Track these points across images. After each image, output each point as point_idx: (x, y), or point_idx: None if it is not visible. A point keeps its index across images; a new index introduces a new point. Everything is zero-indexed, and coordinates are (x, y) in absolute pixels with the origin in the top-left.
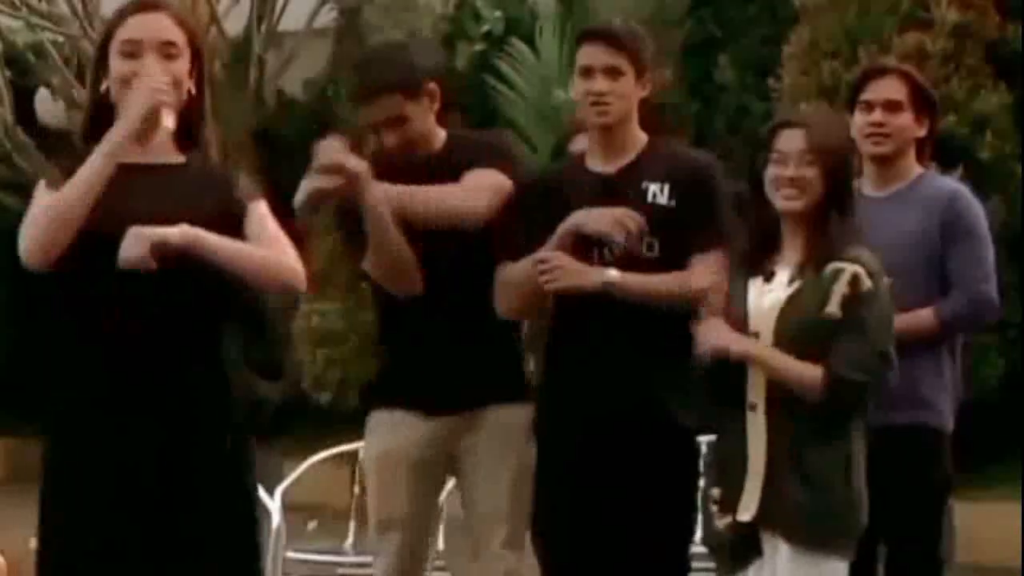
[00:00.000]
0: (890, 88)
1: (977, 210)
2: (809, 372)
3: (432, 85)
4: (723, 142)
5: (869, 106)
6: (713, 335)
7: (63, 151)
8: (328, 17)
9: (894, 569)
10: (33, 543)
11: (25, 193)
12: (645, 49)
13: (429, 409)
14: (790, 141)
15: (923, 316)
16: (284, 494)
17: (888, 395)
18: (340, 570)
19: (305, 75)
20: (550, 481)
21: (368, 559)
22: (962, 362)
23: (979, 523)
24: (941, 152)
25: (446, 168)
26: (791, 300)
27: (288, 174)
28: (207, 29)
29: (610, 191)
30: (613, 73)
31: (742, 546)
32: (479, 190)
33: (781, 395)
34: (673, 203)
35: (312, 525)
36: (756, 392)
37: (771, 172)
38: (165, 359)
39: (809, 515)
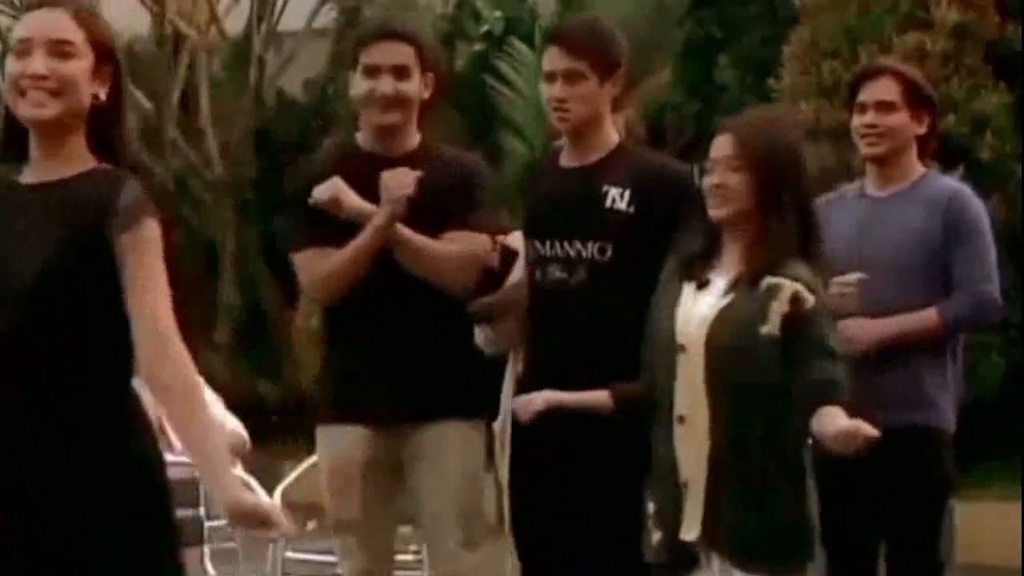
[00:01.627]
0: (882, 89)
1: (979, 210)
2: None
3: (431, 75)
4: None
5: (863, 108)
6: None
7: None
8: (328, 17)
9: (894, 569)
10: None
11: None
12: (611, 49)
13: (375, 423)
14: (718, 147)
15: (926, 316)
16: (284, 494)
17: (890, 395)
18: (340, 570)
19: (305, 75)
20: (525, 479)
21: None
22: (962, 362)
23: (979, 523)
24: (941, 152)
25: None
26: (724, 312)
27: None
28: (207, 29)
29: (567, 183)
30: (573, 77)
31: (680, 561)
32: (471, 262)
33: (728, 407)
34: (632, 209)
35: (312, 525)
36: (684, 403)
37: (705, 180)
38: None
39: (757, 536)
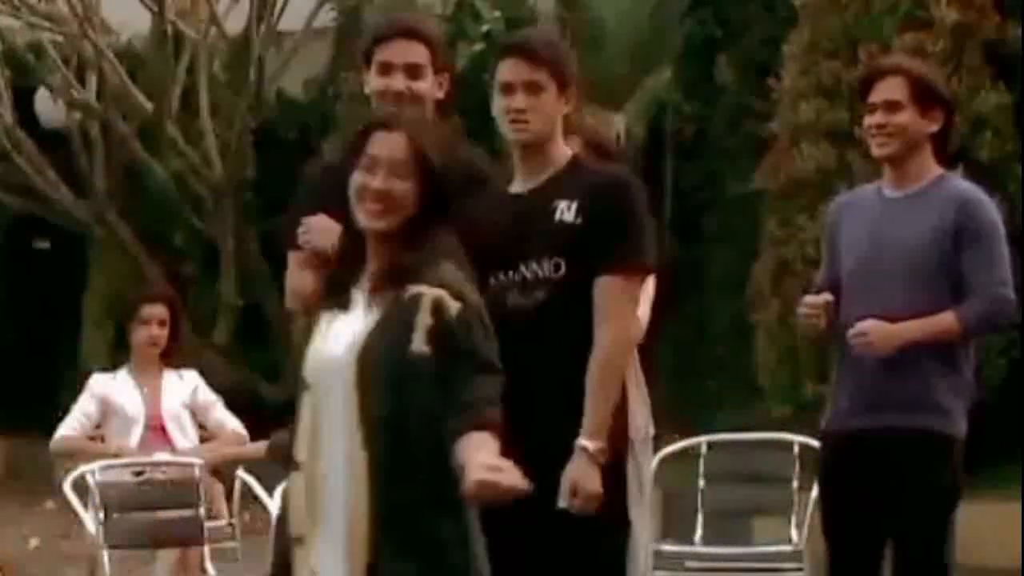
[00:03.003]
0: (889, 88)
1: (993, 213)
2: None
3: (445, 75)
4: (723, 142)
5: (873, 108)
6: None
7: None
8: (328, 17)
9: (901, 573)
10: (33, 542)
11: (25, 193)
12: (567, 63)
13: None
14: (392, 147)
15: (945, 319)
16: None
17: (902, 399)
18: None
19: (305, 75)
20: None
21: None
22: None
23: (979, 523)
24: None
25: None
26: (371, 335)
27: (288, 174)
28: (207, 29)
29: (519, 207)
30: (534, 89)
31: None
32: None
33: (380, 443)
34: (580, 220)
35: None
36: (304, 449)
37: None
38: None
39: None
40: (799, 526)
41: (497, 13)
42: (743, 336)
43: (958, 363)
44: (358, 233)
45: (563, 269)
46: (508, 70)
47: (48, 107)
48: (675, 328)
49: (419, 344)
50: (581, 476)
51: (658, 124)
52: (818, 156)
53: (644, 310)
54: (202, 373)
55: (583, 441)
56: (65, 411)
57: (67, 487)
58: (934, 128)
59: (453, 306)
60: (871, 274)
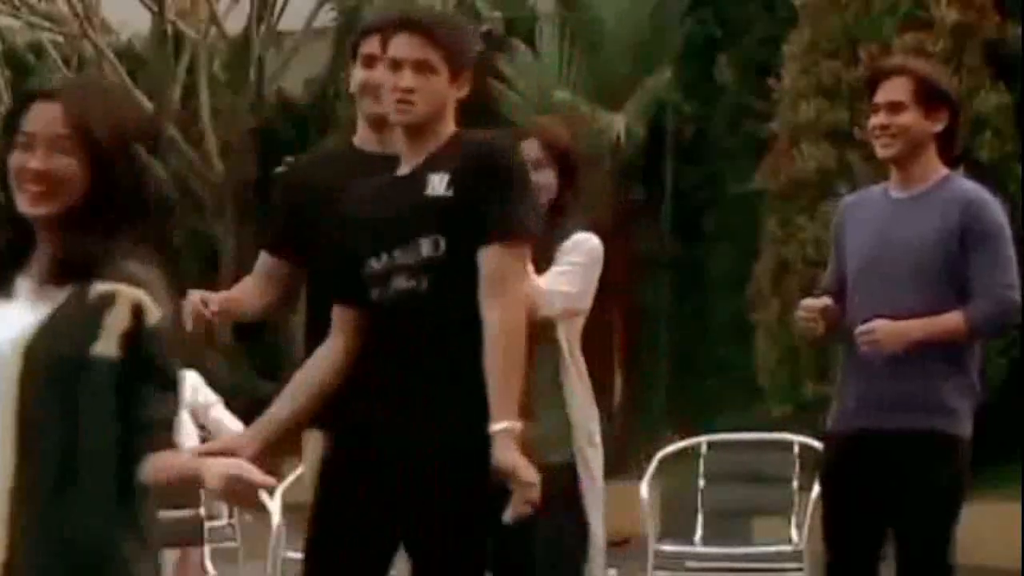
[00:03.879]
0: (892, 89)
1: (998, 214)
2: None
3: (467, 73)
4: (723, 142)
5: (876, 108)
6: None
7: None
8: (328, 17)
9: (904, 573)
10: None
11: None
12: (465, 46)
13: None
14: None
15: (951, 320)
16: (284, 494)
17: (908, 399)
18: None
19: (305, 75)
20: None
21: None
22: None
23: (979, 523)
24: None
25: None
26: (43, 329)
27: None
28: (207, 29)
29: (397, 192)
30: (424, 68)
31: None
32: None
33: (46, 466)
34: (451, 192)
35: None
36: None
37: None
38: None
39: None
40: (799, 526)
41: (497, 13)
42: (743, 336)
43: (964, 363)
44: (22, 218)
45: (443, 247)
46: (397, 46)
47: None
48: (675, 328)
49: (106, 346)
50: (511, 460)
51: (658, 124)
52: (818, 156)
53: (546, 282)
54: (202, 373)
55: (498, 425)
56: None
57: None
58: (938, 128)
59: (154, 313)
60: (877, 275)
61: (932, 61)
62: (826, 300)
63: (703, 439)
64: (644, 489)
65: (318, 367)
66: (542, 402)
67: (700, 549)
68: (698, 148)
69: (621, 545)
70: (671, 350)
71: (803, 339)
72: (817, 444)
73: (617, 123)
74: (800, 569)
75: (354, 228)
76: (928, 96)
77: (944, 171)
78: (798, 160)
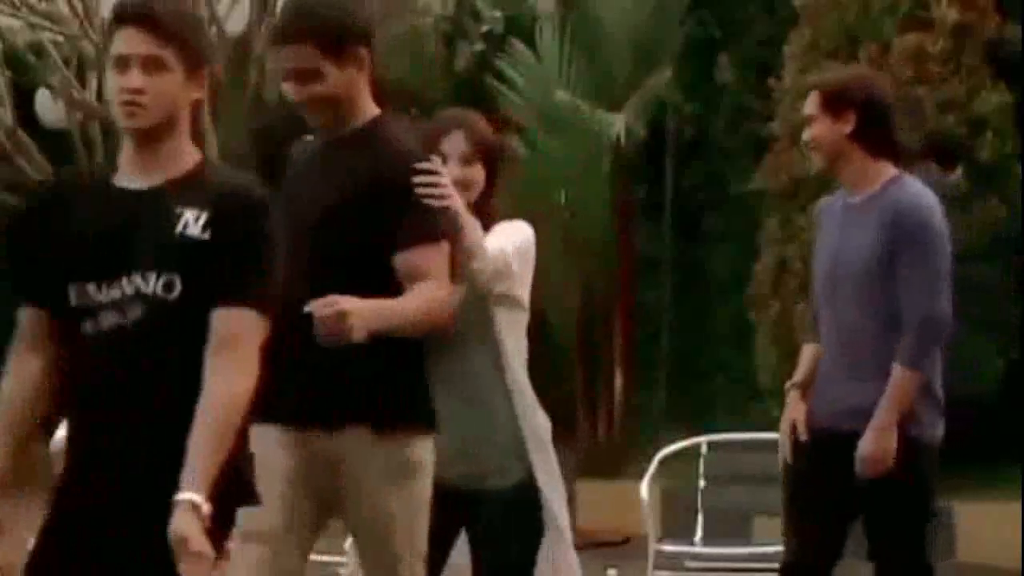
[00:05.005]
0: (807, 106)
1: (928, 221)
2: None
3: (362, 50)
4: (723, 142)
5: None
6: None
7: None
8: None
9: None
10: (31, 543)
11: (25, 193)
12: (200, 40)
13: (289, 425)
14: None
15: (898, 380)
16: None
17: (870, 406)
18: (340, 570)
19: None
20: None
21: None
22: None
23: (979, 523)
24: (941, 152)
25: (361, 154)
26: None
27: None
28: (207, 29)
29: (129, 207)
30: (155, 66)
31: None
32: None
33: None
34: (207, 236)
35: None
36: None
37: None
38: None
39: None
40: None
41: (497, 13)
42: (743, 336)
43: (925, 369)
44: None
45: (177, 289)
46: (124, 42)
47: (48, 107)
48: (675, 328)
49: None
50: (184, 530)
51: (658, 124)
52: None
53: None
54: None
55: (183, 495)
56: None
57: None
58: (847, 129)
59: None
60: (831, 296)
61: (926, 62)
62: (798, 409)
63: (703, 439)
64: (644, 489)
65: (18, 399)
66: (484, 402)
67: (700, 549)
68: (698, 148)
69: (621, 545)
70: (671, 350)
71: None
72: None
73: (617, 123)
74: None
75: (74, 245)
76: (833, 102)
77: (891, 172)
78: (798, 160)
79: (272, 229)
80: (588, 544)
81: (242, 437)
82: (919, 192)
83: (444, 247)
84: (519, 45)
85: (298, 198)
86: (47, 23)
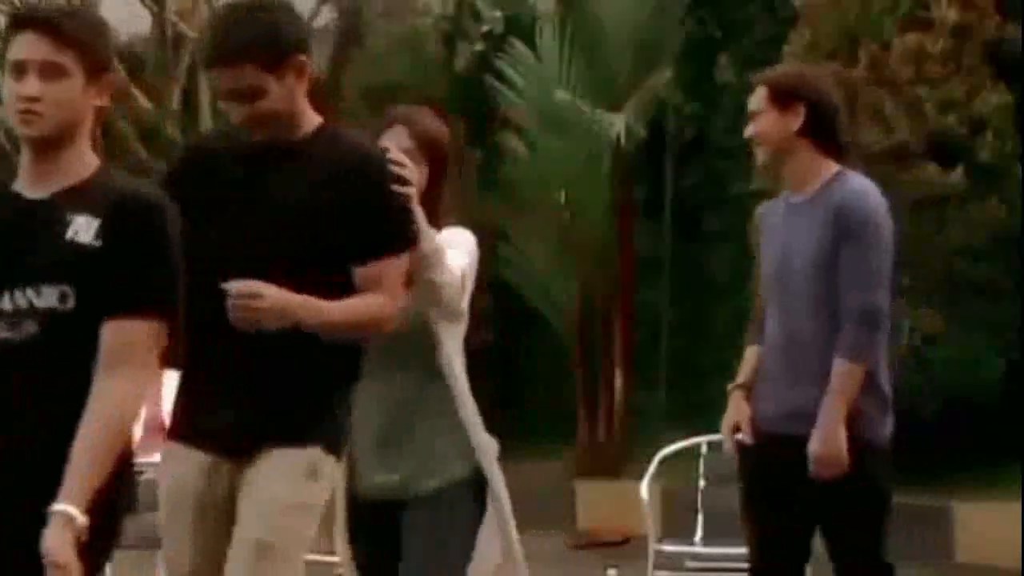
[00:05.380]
0: (752, 101)
1: (870, 215)
2: None
3: (300, 59)
4: (723, 142)
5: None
6: None
7: None
8: (328, 17)
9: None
10: None
11: None
12: (101, 45)
13: (213, 450)
14: None
15: (841, 374)
16: None
17: (816, 410)
18: (340, 570)
19: None
20: None
21: None
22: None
23: (979, 523)
24: (941, 152)
25: (307, 165)
26: None
27: None
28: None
29: (24, 216)
30: (53, 72)
31: None
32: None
33: None
34: (100, 243)
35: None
36: None
37: None
38: None
39: None
40: None
41: (497, 13)
42: (743, 336)
43: (870, 369)
44: None
45: (71, 300)
46: (20, 47)
47: None
48: (675, 328)
49: None
50: (54, 544)
51: (658, 124)
52: None
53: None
54: None
55: (59, 506)
56: None
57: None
58: (796, 123)
59: None
60: (777, 291)
61: (926, 62)
62: (742, 412)
63: (703, 439)
64: (644, 489)
65: None
66: (427, 413)
67: (700, 549)
68: (698, 148)
69: (621, 545)
70: (671, 350)
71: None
72: None
73: (617, 123)
74: None
75: None
76: (780, 97)
77: (834, 169)
78: None
79: (171, 234)
80: (588, 544)
81: (129, 447)
82: (862, 187)
83: (404, 260)
84: (519, 45)
85: (243, 208)
86: None
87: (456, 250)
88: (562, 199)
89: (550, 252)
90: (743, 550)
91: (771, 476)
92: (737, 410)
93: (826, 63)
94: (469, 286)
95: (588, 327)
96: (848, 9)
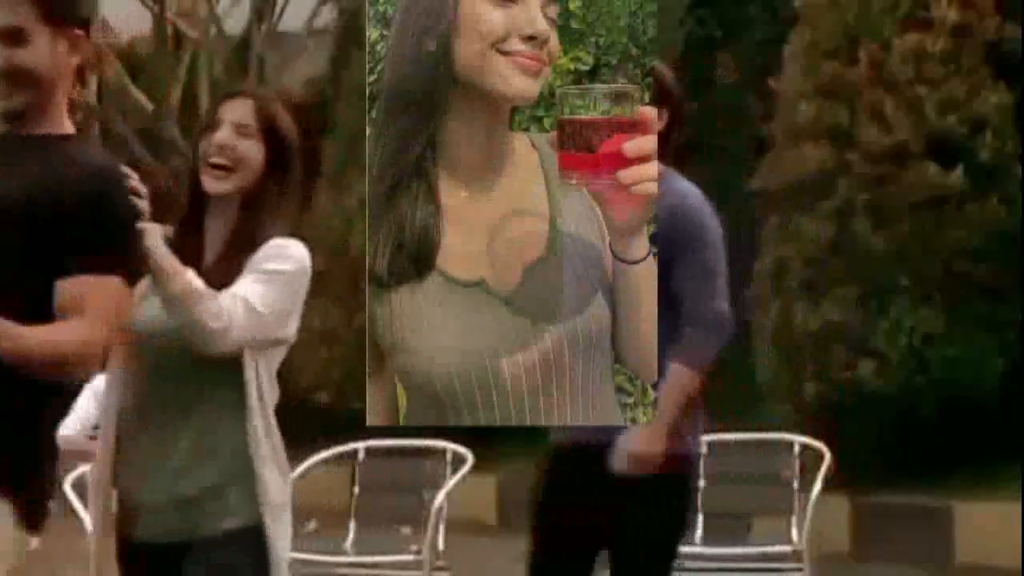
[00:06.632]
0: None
1: (703, 218)
2: None
3: (80, 33)
4: (723, 142)
5: None
6: None
7: None
8: (328, 17)
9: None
10: (33, 543)
11: None
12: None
13: None
14: None
15: (677, 376)
16: None
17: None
18: (340, 570)
19: (305, 75)
20: None
21: (368, 559)
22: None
23: (979, 523)
24: (941, 152)
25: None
26: None
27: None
28: (207, 29)
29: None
30: (15, 39)
31: None
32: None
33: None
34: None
35: (311, 525)
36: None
37: None
38: None
39: None
40: (799, 526)
41: None
42: (743, 336)
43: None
44: None
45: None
46: None
47: None
48: None
49: None
50: None
51: None
52: (818, 156)
53: None
54: None
55: None
56: None
57: (67, 487)
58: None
59: None
60: None
61: (926, 62)
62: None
63: (703, 439)
64: None
65: None
66: (215, 452)
67: (700, 549)
68: (698, 148)
69: None
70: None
71: (803, 339)
72: (818, 444)
73: None
74: (800, 569)
75: None
76: (659, 95)
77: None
78: (798, 160)
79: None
80: None
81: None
82: (684, 190)
83: (114, 282)
84: None
85: None
86: None
87: (244, 278)
88: None
89: None
90: (743, 550)
91: (570, 490)
92: None
93: (826, 63)
94: (281, 309)
95: None
96: (848, 9)
